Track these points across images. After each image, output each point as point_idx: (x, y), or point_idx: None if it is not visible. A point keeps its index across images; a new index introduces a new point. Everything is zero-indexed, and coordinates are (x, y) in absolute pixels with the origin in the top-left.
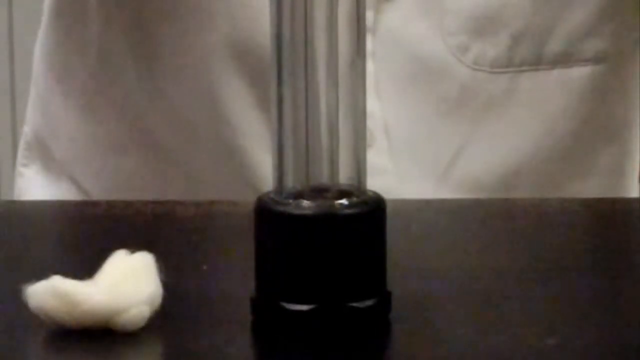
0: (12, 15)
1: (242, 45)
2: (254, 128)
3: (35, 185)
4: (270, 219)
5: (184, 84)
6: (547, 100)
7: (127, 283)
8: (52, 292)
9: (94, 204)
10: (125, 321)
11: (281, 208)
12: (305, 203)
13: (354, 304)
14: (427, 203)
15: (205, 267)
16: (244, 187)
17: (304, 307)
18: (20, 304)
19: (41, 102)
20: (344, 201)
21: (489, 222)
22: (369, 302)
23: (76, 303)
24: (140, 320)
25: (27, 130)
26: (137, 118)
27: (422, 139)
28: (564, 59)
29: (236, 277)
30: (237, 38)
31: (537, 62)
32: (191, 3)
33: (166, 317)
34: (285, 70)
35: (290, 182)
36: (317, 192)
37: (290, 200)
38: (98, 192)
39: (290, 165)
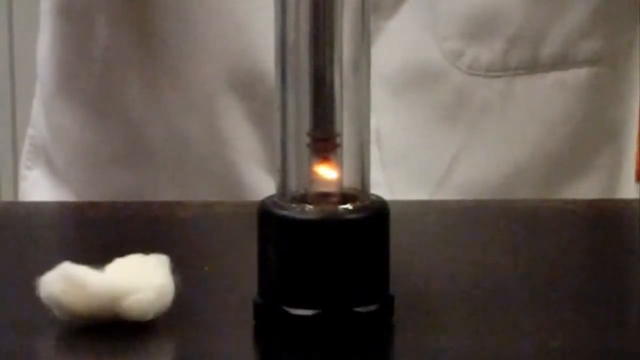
0: (12, 15)
1: (235, 62)
2: (246, 144)
3: (38, 189)
4: (273, 223)
5: (181, 97)
6: (543, 104)
7: (138, 273)
8: (62, 276)
9: (95, 205)
10: (131, 305)
11: (285, 212)
12: (309, 207)
13: (358, 309)
14: (428, 204)
15: (206, 269)
16: None
17: (307, 312)
18: (24, 304)
19: (45, 107)
20: (348, 206)
21: (490, 223)
22: (372, 307)
23: (84, 284)
24: (146, 306)
25: (32, 133)
26: (135, 130)
27: (418, 147)
28: (560, 62)
29: (238, 279)
30: (230, 57)
31: (533, 65)
32: (178, 26)
33: (167, 320)
34: (289, 74)
35: (293, 186)
36: (321, 196)
37: (294, 205)
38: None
39: (294, 169)
